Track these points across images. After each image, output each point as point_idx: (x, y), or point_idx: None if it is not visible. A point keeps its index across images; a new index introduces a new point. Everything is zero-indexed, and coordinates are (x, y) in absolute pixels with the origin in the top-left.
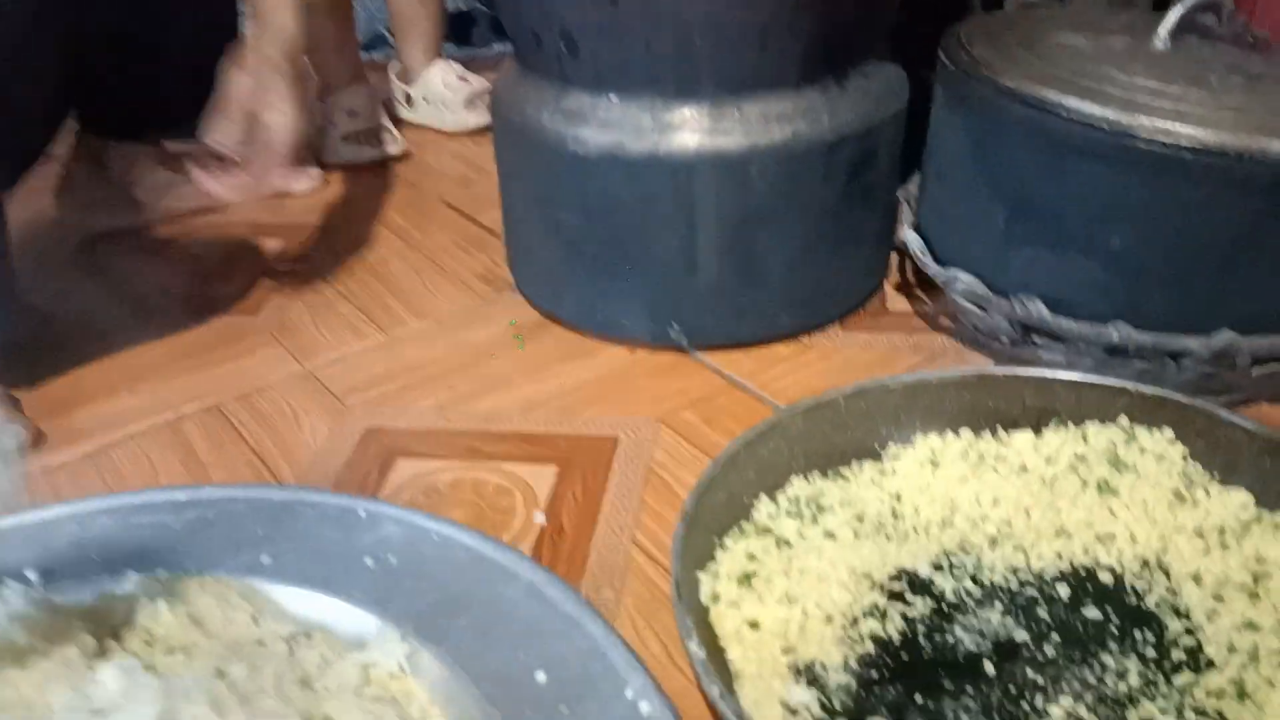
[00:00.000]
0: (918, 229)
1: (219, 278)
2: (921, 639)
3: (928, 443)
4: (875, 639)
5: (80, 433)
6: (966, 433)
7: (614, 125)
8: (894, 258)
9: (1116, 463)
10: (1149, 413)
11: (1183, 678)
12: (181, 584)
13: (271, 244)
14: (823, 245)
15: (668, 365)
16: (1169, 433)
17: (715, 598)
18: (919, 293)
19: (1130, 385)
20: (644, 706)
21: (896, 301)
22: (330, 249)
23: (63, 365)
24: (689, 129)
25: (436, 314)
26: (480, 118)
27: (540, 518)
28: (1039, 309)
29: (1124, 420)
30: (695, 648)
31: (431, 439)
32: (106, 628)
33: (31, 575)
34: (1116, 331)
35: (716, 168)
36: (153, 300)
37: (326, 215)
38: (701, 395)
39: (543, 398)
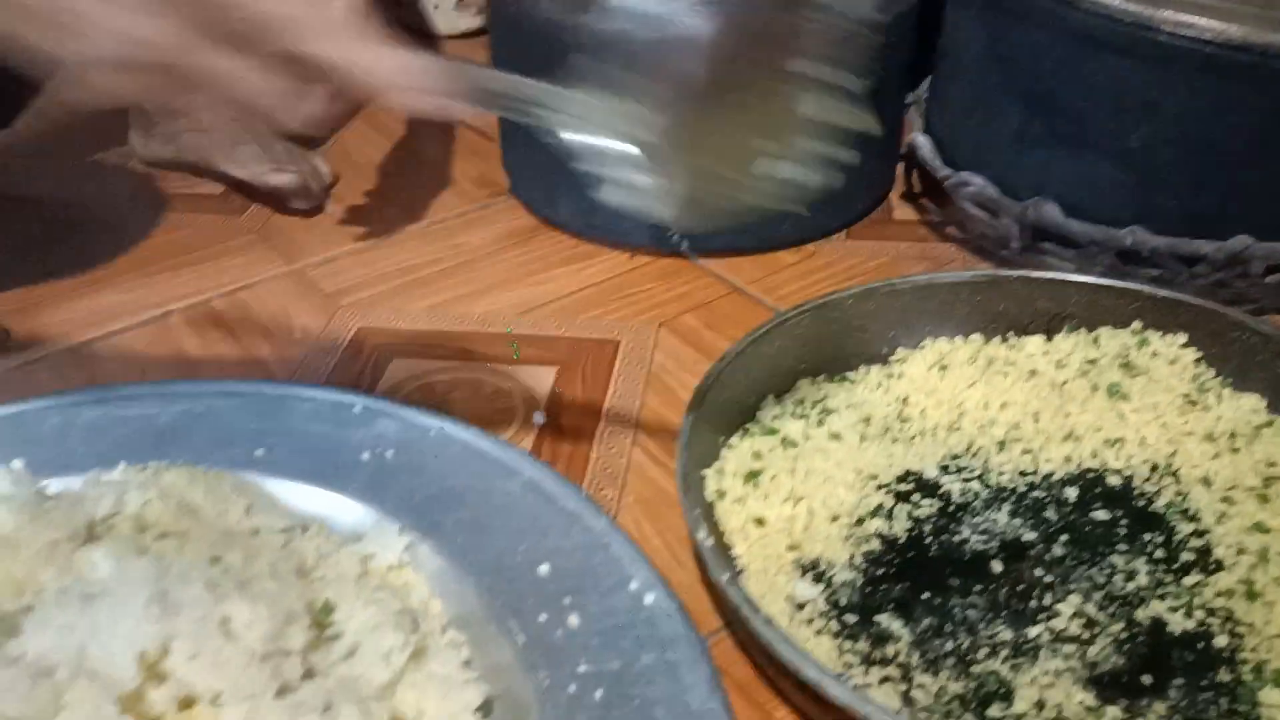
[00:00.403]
0: (928, 133)
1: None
2: (928, 538)
3: (936, 346)
4: (881, 537)
5: (64, 328)
6: (976, 337)
7: (620, 13)
8: (899, 169)
9: (1128, 367)
10: (1163, 316)
11: (1192, 578)
12: (172, 474)
13: None
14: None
15: (668, 270)
16: (1182, 337)
17: (720, 494)
18: (925, 202)
19: (1145, 288)
20: (649, 599)
21: (902, 211)
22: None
23: (46, 263)
24: None
25: (429, 217)
26: (471, 20)
27: (540, 418)
28: (1053, 212)
29: (1137, 324)
30: (703, 537)
31: (426, 340)
32: (95, 514)
33: (16, 463)
34: (1131, 235)
35: None
36: (137, 199)
37: None
38: (703, 300)
39: (540, 301)
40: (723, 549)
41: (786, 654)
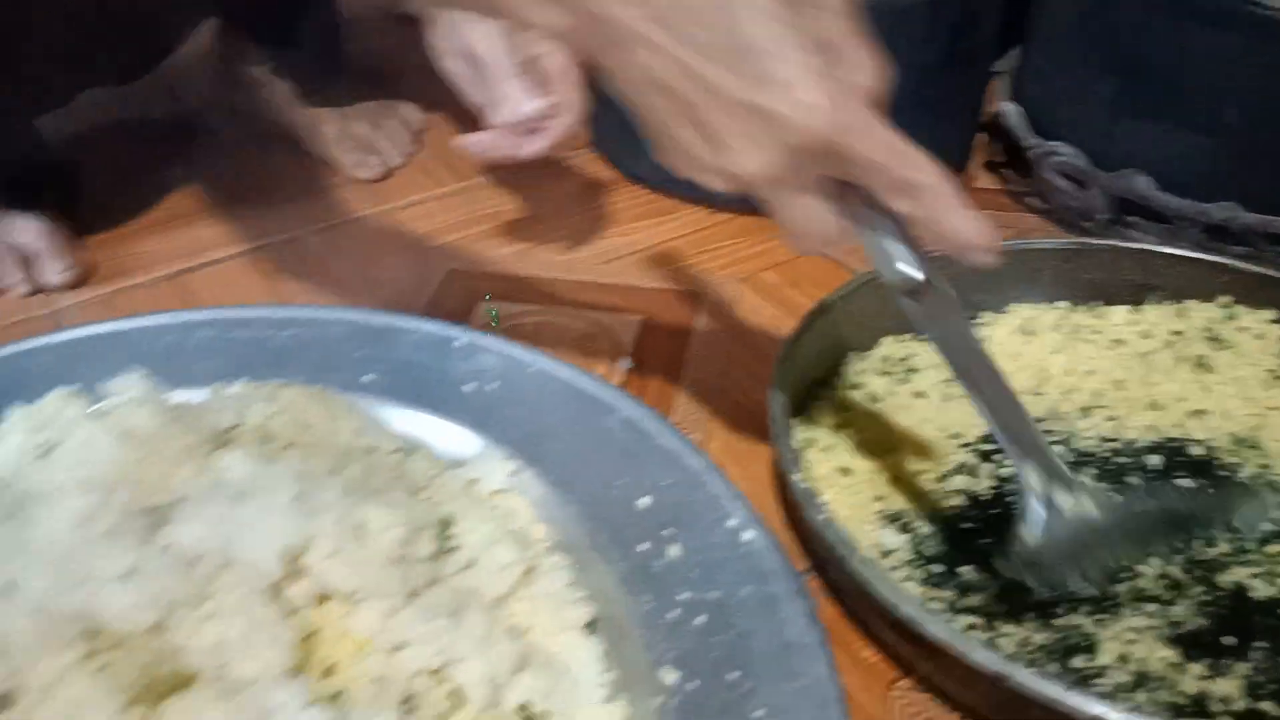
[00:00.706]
0: (1015, 101)
1: None
2: (1011, 496)
3: (1021, 312)
4: (965, 494)
5: (160, 257)
6: (1062, 304)
7: None
8: (983, 137)
9: (1215, 340)
10: (1251, 291)
11: (1274, 547)
12: (291, 391)
13: None
14: (917, 112)
15: (748, 227)
16: (1270, 313)
17: (808, 443)
18: (1007, 172)
19: (1235, 263)
20: (747, 535)
21: (984, 179)
22: (399, 99)
23: (139, 195)
24: None
25: (511, 167)
26: None
27: (626, 363)
28: (1144, 184)
29: (1224, 299)
30: (798, 479)
31: (513, 284)
32: (219, 425)
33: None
34: (1222, 211)
35: None
36: (224, 137)
37: (392, 63)
38: (784, 259)
39: (623, 252)
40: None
41: (884, 592)
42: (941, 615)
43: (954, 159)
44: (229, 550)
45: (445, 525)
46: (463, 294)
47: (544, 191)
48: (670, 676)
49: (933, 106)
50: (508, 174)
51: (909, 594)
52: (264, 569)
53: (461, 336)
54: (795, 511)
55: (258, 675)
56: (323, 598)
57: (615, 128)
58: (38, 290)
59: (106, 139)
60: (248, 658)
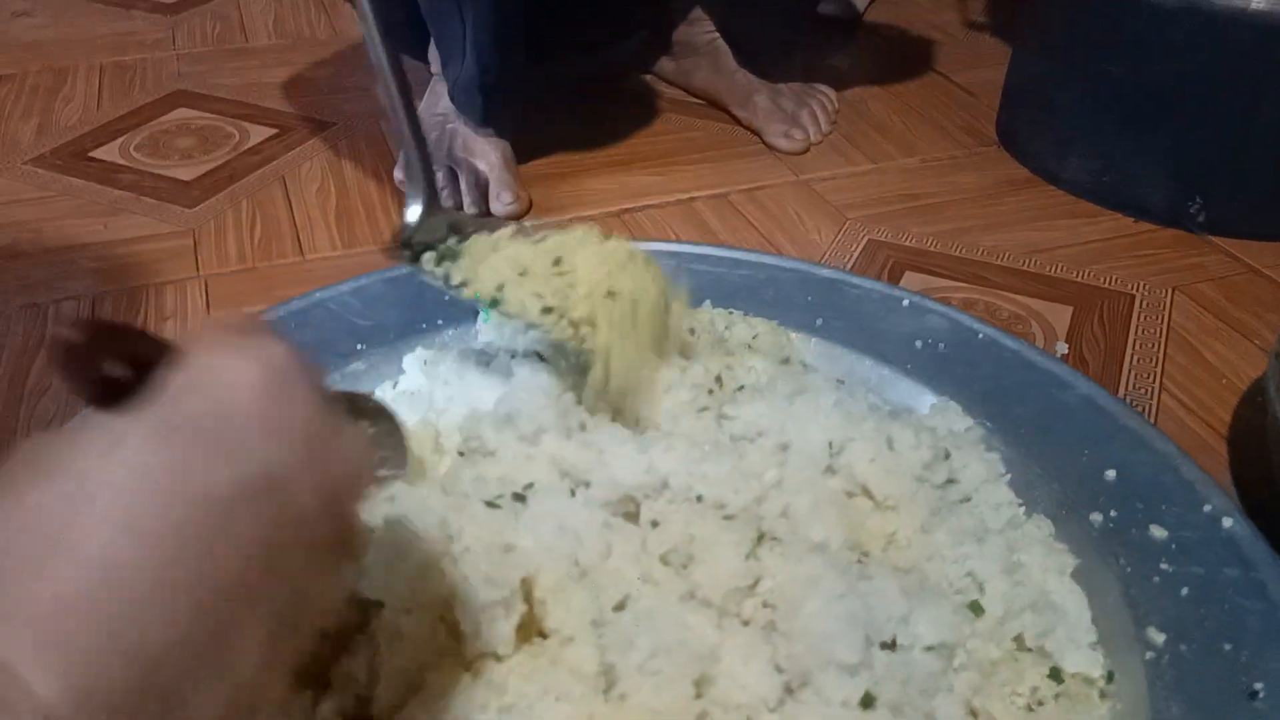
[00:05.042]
0: None
1: None
2: None
3: None
4: None
5: (604, 196)
6: None
7: None
8: None
9: None
10: None
11: None
12: (757, 320)
13: None
14: None
15: (1177, 241)
16: None
17: None
18: None
19: None
20: (1227, 522)
21: None
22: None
23: (580, 139)
24: None
25: (921, 154)
26: None
27: (1063, 347)
28: None
29: None
30: None
31: (936, 260)
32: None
33: None
34: None
35: None
36: (647, 101)
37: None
38: (1219, 275)
39: (1045, 246)
40: None
41: None
42: None
43: None
44: (784, 432)
45: (948, 456)
46: (887, 263)
47: (956, 181)
48: (1158, 637)
49: None
50: (918, 162)
51: None
52: (813, 454)
53: (907, 298)
54: None
55: (825, 540)
56: (850, 493)
57: (1034, 128)
58: (485, 214)
59: (558, 92)
60: (814, 524)
